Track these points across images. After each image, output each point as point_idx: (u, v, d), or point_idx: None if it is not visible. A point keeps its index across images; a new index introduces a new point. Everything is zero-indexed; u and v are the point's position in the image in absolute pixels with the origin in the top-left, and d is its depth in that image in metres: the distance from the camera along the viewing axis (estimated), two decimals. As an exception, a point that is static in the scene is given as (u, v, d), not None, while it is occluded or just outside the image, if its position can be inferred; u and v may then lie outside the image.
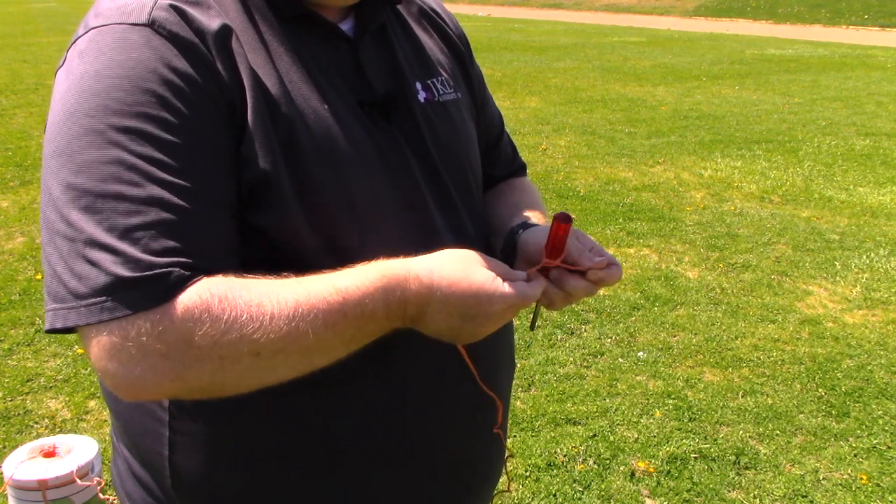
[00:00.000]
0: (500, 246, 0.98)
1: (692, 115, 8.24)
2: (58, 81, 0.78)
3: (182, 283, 0.69)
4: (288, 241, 0.80)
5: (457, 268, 0.78)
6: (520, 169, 1.19)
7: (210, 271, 0.72)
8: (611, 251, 4.37)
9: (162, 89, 0.73)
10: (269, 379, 0.74)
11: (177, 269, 0.69)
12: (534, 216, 1.03)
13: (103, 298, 0.68)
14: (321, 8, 0.87)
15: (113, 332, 0.68)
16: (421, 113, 0.92)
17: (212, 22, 0.78)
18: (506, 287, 0.79)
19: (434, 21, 1.04)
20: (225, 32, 0.78)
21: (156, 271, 0.68)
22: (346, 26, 0.90)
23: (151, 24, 0.75)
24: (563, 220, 0.83)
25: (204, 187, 0.74)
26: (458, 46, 1.06)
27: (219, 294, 0.70)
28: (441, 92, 0.97)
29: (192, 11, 0.77)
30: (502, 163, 1.17)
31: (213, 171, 0.75)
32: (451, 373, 0.92)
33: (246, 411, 0.85)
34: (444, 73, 0.99)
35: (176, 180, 0.72)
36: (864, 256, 4.34)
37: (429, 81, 0.96)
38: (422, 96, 0.94)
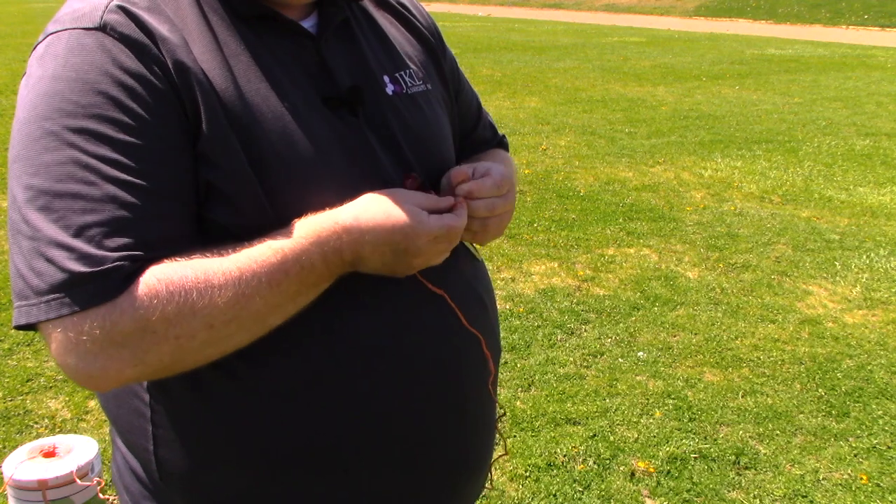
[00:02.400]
0: None
1: (692, 115, 8.24)
2: (20, 88, 0.80)
3: (134, 275, 0.72)
4: (249, 236, 0.81)
5: (380, 209, 0.82)
6: (497, 145, 1.21)
7: (160, 260, 0.74)
8: (611, 251, 4.38)
9: (115, 90, 0.76)
10: (227, 347, 0.78)
11: (128, 263, 0.72)
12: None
13: (61, 294, 0.71)
14: (281, 7, 0.88)
15: (67, 327, 0.71)
16: (389, 105, 0.93)
17: (162, 27, 0.80)
18: (430, 220, 0.83)
19: (401, 15, 1.05)
20: (176, 37, 0.80)
21: (108, 266, 0.71)
22: (308, 23, 0.91)
23: (103, 28, 0.78)
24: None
25: (158, 184, 0.76)
26: (427, 39, 1.06)
27: (165, 278, 0.73)
28: (410, 84, 0.97)
29: (143, 14, 0.80)
30: (478, 146, 1.18)
31: (167, 167, 0.77)
32: (431, 351, 0.92)
33: (223, 406, 0.86)
34: (413, 65, 1.00)
35: (130, 178, 0.74)
36: (864, 256, 4.34)
37: (397, 74, 0.96)
38: (390, 89, 0.94)
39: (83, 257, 0.71)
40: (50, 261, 0.71)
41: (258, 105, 0.82)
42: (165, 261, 0.74)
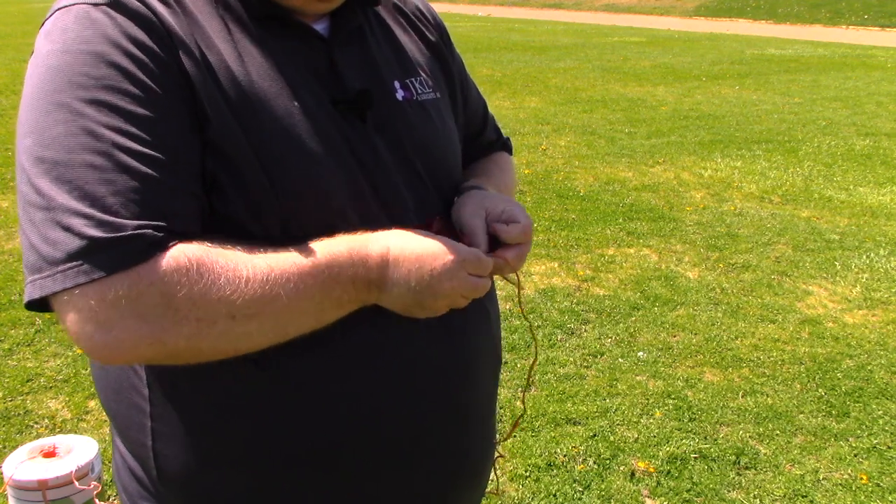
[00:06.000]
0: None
1: (692, 115, 8.24)
2: (29, 64, 0.80)
3: (157, 246, 0.71)
4: (254, 229, 0.81)
5: (411, 235, 0.84)
6: (501, 147, 1.21)
7: (181, 235, 0.74)
8: (611, 251, 4.37)
9: (126, 62, 0.75)
10: (243, 345, 0.77)
11: (149, 231, 0.71)
12: (483, 181, 1.05)
13: (79, 262, 0.69)
14: (296, 12, 0.88)
15: (89, 294, 0.69)
16: (398, 111, 0.93)
17: (171, 17, 0.80)
18: (458, 244, 0.85)
19: (413, 22, 1.05)
20: (184, 26, 0.80)
21: (129, 232, 0.70)
22: (320, 26, 0.91)
23: (112, 4, 0.78)
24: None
25: (170, 156, 0.75)
26: (438, 45, 1.06)
27: (196, 258, 0.72)
28: (420, 91, 0.97)
29: (154, 3, 0.80)
30: (484, 149, 1.19)
31: (178, 140, 0.77)
32: (432, 360, 0.93)
33: (223, 403, 0.86)
34: (423, 73, 1.00)
35: (144, 149, 0.74)
36: (864, 256, 4.34)
37: (407, 81, 0.97)
38: (400, 94, 0.94)
39: (102, 224, 0.69)
40: (67, 229, 0.69)
41: (268, 100, 0.82)
42: (195, 241, 0.74)
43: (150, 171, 0.73)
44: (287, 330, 0.78)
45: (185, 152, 0.77)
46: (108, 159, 0.72)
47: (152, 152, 0.74)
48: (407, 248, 0.82)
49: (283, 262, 0.76)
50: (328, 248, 0.79)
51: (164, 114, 0.76)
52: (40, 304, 0.72)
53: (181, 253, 0.72)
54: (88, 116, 0.73)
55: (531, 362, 0.93)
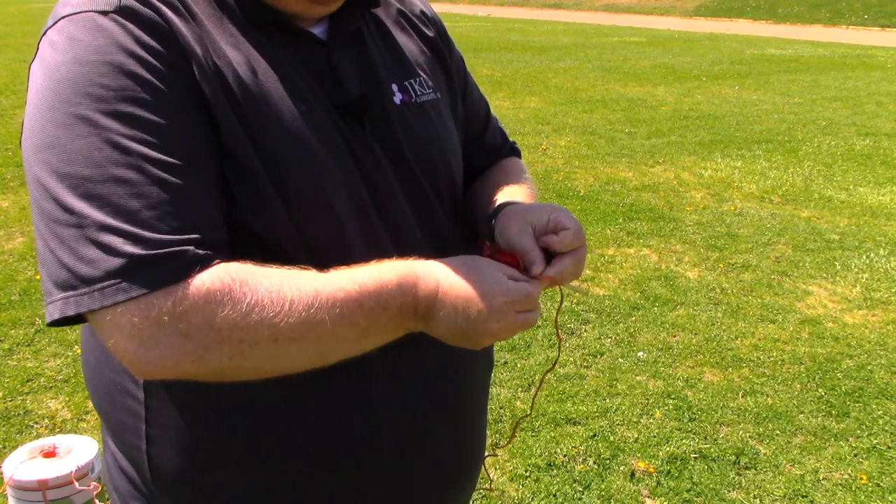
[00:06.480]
0: (486, 235, 0.99)
1: (692, 115, 8.24)
2: (32, 74, 0.78)
3: (198, 263, 0.70)
4: (264, 235, 0.80)
5: (462, 269, 0.82)
6: (509, 152, 1.19)
7: (216, 248, 0.73)
8: (611, 251, 4.37)
9: (142, 71, 0.74)
10: (284, 367, 0.75)
11: (190, 248, 0.70)
12: (512, 195, 1.03)
13: (118, 280, 0.68)
14: (294, 17, 0.87)
15: (132, 311, 0.68)
16: (396, 114, 0.92)
17: (181, 24, 0.79)
18: (508, 282, 0.82)
19: (411, 20, 1.04)
20: (192, 32, 0.79)
21: (169, 249, 0.69)
22: (318, 30, 0.90)
23: (121, 11, 0.76)
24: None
25: (196, 165, 0.74)
26: (435, 41, 1.05)
27: (240, 278, 0.71)
28: (419, 93, 0.96)
29: (161, 6, 0.78)
30: (488, 152, 1.16)
31: (200, 149, 0.76)
32: (428, 366, 0.93)
33: (221, 409, 0.85)
34: (422, 73, 0.99)
35: (170, 160, 0.72)
36: (864, 256, 4.34)
37: (406, 83, 0.96)
38: (398, 98, 0.94)
39: (140, 241, 0.68)
40: (103, 246, 0.68)
41: (276, 104, 0.81)
42: (238, 261, 0.73)
43: (180, 181, 0.72)
44: (329, 354, 0.77)
45: (208, 160, 0.76)
46: (138, 172, 0.70)
47: (179, 162, 0.73)
48: (456, 284, 0.80)
49: (330, 285, 0.75)
50: (377, 275, 0.78)
51: (185, 122, 0.75)
52: (65, 320, 0.70)
53: (225, 272, 0.71)
54: (112, 129, 0.71)
55: (544, 372, 0.92)
